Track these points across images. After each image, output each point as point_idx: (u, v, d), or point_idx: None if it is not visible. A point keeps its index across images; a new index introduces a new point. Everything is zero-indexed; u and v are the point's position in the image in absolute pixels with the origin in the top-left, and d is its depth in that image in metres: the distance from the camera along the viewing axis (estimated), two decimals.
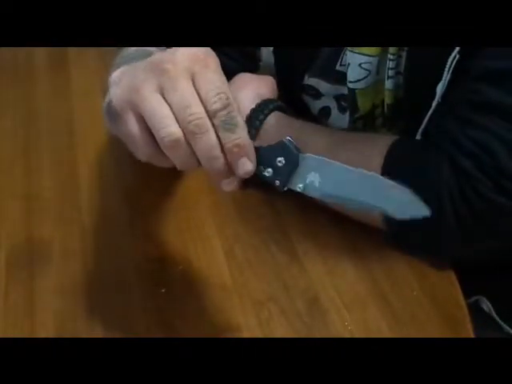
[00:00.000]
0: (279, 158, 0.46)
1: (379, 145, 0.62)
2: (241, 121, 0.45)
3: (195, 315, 0.58)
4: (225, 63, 0.70)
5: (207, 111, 0.43)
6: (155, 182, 0.72)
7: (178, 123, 0.43)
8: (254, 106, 0.67)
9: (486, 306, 0.70)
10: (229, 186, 0.47)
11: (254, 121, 0.65)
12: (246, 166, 0.45)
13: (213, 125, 0.44)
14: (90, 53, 0.93)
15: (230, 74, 0.72)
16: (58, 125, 0.80)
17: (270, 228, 0.66)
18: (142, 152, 0.46)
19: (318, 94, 0.72)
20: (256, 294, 0.60)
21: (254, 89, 0.69)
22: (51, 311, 0.59)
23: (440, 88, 0.59)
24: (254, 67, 0.76)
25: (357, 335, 0.57)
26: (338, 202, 0.45)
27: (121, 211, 0.69)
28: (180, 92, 0.43)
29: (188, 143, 0.44)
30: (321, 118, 0.74)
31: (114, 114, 0.48)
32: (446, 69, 0.58)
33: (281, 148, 0.46)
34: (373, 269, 0.62)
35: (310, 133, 0.65)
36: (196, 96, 0.44)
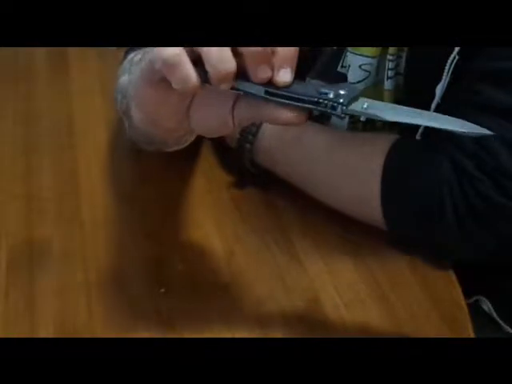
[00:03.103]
0: (341, 89, 0.43)
1: (379, 145, 0.62)
2: None
3: (195, 315, 0.58)
4: None
5: None
6: (155, 182, 0.72)
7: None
8: None
9: (486, 306, 0.70)
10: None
11: None
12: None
13: None
14: (90, 53, 0.93)
15: None
16: (57, 125, 0.80)
17: (270, 228, 0.66)
18: (190, 74, 0.44)
19: None
20: (256, 294, 0.60)
21: None
22: (51, 311, 0.59)
23: (439, 89, 0.59)
24: None
25: (357, 335, 0.57)
26: (401, 121, 0.44)
27: (121, 211, 0.69)
28: None
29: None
30: (321, 120, 0.74)
31: (150, 64, 0.46)
32: (446, 70, 0.58)
33: (343, 84, 0.44)
34: (373, 269, 0.62)
35: (310, 132, 0.65)
36: None
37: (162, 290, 0.60)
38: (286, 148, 0.66)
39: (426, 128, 0.61)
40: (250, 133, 0.66)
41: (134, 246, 0.65)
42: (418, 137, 0.62)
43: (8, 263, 0.63)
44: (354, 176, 0.63)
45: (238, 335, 0.57)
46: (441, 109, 0.59)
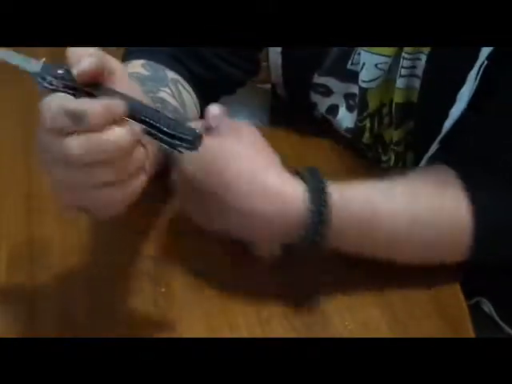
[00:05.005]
0: None
1: (458, 212, 0.58)
2: None
3: (195, 315, 0.58)
4: (225, 70, 0.70)
5: None
6: (155, 181, 0.72)
7: None
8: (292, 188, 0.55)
9: (487, 307, 0.70)
10: None
11: (318, 215, 0.54)
12: None
13: None
14: None
15: (230, 80, 0.71)
16: None
17: None
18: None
19: (328, 92, 0.71)
20: (256, 293, 0.60)
21: (262, 166, 0.56)
22: (51, 311, 0.59)
23: (466, 95, 0.56)
24: (254, 70, 0.76)
25: (357, 335, 0.57)
26: None
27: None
28: None
29: None
30: (328, 116, 0.74)
31: None
32: (473, 75, 0.55)
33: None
34: (373, 269, 0.62)
35: (381, 192, 0.58)
36: None
37: (162, 290, 0.60)
38: (362, 230, 0.57)
39: (446, 136, 0.59)
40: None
41: (133, 246, 0.65)
42: (435, 144, 0.60)
43: (8, 263, 0.63)
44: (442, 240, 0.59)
45: (237, 335, 0.56)
46: (467, 116, 0.57)
